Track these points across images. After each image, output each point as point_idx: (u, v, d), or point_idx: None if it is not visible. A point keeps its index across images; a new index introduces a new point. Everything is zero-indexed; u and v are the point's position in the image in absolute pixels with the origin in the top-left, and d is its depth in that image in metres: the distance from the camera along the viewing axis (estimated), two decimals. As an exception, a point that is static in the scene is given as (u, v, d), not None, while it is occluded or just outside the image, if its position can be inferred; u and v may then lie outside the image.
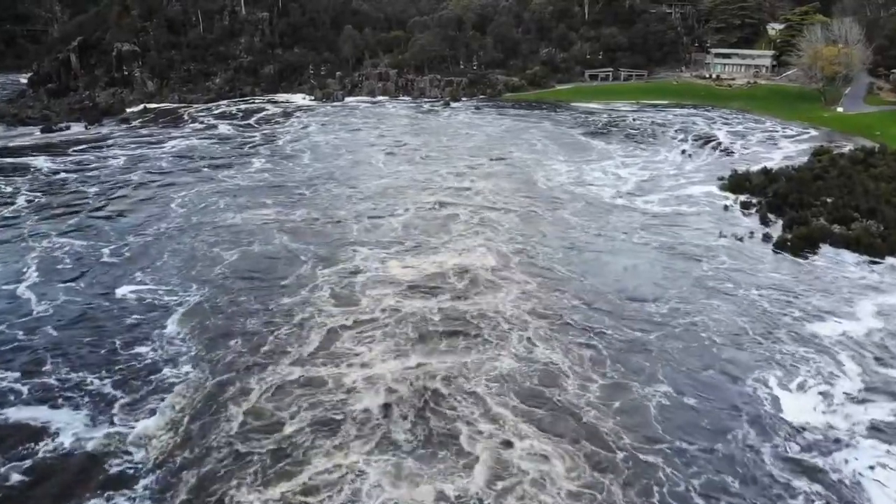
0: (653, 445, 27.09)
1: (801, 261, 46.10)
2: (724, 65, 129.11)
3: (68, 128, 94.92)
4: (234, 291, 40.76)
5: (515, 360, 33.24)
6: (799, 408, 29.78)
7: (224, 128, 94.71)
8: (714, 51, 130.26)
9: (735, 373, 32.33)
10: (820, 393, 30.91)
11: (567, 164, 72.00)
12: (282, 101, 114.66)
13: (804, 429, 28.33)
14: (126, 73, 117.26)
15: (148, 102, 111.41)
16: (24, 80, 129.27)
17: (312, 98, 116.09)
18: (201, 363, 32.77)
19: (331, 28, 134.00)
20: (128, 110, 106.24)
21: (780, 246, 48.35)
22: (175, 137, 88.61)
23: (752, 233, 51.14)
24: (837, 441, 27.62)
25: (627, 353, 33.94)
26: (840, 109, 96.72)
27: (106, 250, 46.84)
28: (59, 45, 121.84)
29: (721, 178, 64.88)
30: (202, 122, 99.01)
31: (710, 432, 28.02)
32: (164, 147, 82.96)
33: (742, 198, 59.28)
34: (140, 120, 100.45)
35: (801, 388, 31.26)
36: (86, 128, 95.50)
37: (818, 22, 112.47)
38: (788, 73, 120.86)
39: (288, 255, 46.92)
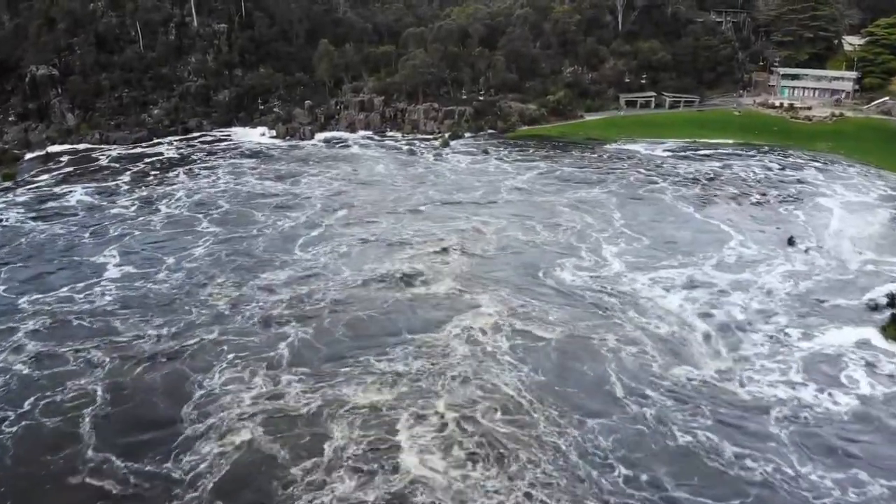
0: None
1: None
2: (793, 88, 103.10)
3: (-65, 187, 70.14)
4: None
5: None
6: None
7: (82, 195, 65.94)
8: (781, 70, 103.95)
9: None
10: None
11: (618, 262, 46.63)
12: (231, 140, 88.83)
13: None
14: (44, 102, 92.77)
15: (61, 142, 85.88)
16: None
17: (274, 134, 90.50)
18: None
19: (306, 42, 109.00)
20: (27, 156, 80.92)
21: None
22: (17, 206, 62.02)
23: None
24: None
25: None
26: (972, 158, 71.82)
27: None
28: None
29: (875, 307, 40.29)
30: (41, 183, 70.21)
31: None
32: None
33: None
34: (40, 172, 74.60)
35: None
36: (-42, 185, 70.84)
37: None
38: (880, 101, 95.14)
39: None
